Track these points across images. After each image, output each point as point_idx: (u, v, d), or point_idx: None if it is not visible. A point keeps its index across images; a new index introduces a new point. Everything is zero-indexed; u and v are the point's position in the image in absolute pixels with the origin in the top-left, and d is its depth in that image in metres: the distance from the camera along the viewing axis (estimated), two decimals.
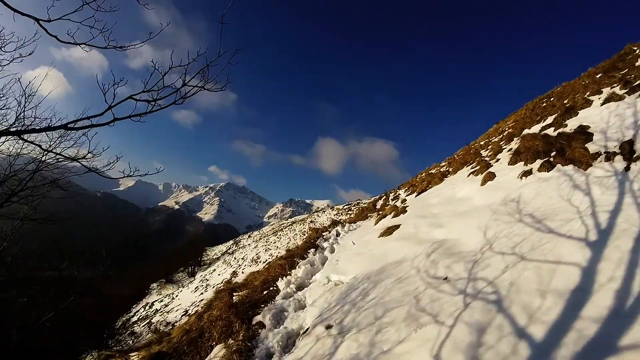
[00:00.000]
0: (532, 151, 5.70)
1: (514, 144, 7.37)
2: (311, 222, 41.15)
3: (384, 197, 20.69)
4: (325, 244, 7.98)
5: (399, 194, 17.82)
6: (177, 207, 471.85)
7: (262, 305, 4.98)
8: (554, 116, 7.90)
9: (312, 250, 7.61)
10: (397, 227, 6.09)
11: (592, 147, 4.79)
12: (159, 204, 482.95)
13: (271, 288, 5.73)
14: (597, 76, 10.30)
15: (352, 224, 10.68)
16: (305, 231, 35.34)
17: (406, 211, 7.06)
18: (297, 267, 6.35)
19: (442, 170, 15.96)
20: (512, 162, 6.15)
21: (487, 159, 7.98)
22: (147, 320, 28.04)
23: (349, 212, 35.47)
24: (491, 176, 5.96)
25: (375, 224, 7.93)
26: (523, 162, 5.71)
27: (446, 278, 3.31)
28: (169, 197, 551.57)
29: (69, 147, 5.11)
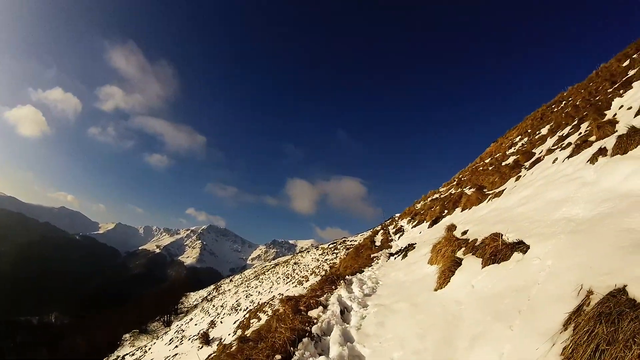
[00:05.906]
0: None
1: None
2: (295, 263, 35.80)
3: (381, 231, 16.45)
4: None
5: (402, 226, 13.70)
6: (158, 250, 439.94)
7: None
8: None
9: None
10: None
11: None
12: (140, 248, 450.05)
13: None
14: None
15: (359, 275, 5.83)
16: (289, 274, 29.88)
17: (518, 250, 2.65)
18: None
19: (455, 191, 12.07)
20: None
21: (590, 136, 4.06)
22: None
23: (335, 251, 30.64)
24: None
25: (440, 287, 3.40)
26: None
27: None
28: (150, 241, 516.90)
29: None
